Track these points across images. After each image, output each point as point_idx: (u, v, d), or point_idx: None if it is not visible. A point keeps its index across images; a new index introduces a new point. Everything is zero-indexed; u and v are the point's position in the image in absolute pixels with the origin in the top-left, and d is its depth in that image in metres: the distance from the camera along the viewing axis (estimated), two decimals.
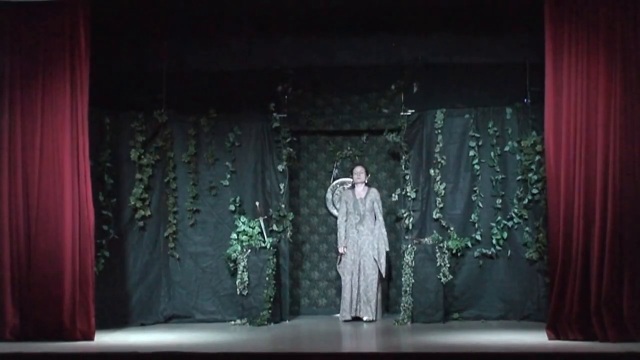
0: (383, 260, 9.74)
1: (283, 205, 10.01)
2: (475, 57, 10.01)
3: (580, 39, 7.99)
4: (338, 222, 9.98)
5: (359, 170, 10.02)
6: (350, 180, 10.17)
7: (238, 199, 10.02)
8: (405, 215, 9.94)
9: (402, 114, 10.04)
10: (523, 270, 9.68)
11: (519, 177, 9.76)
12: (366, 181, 9.98)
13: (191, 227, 10.01)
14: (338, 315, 9.91)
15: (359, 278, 9.73)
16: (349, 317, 9.69)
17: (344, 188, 10.29)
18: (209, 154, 10.06)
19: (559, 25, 8.04)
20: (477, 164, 9.90)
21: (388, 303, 10.31)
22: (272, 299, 9.49)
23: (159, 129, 10.00)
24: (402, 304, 9.52)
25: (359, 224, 9.85)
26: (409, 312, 9.42)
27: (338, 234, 9.94)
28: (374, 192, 9.95)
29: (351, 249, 9.81)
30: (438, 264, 9.45)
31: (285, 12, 9.54)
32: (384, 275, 9.76)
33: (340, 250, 9.89)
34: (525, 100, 9.87)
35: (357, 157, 10.37)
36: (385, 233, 9.84)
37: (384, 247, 9.77)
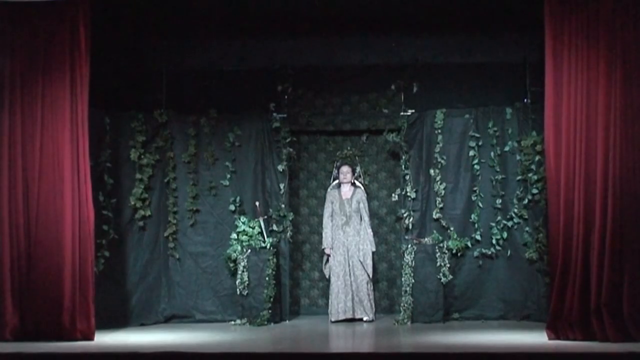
0: (369, 261, 9.75)
1: (283, 205, 10.00)
2: (475, 57, 10.02)
3: (580, 39, 7.98)
4: (323, 223, 9.95)
5: (345, 170, 10.01)
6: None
7: (238, 199, 10.02)
8: (405, 215, 9.93)
9: (402, 114, 10.04)
10: (523, 270, 9.68)
11: (519, 177, 9.75)
12: (353, 180, 9.98)
13: (191, 227, 10.01)
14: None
15: (350, 280, 9.72)
16: (340, 318, 9.63)
17: (331, 187, 10.24)
18: (209, 154, 10.06)
19: (559, 25, 8.03)
20: (477, 164, 9.90)
21: (388, 303, 10.32)
22: (272, 299, 9.49)
23: (159, 129, 10.00)
24: (402, 304, 9.52)
25: (345, 224, 9.83)
26: (409, 312, 9.42)
27: (323, 234, 9.92)
28: (360, 192, 9.94)
29: (338, 251, 9.79)
30: (438, 264, 9.45)
31: (285, 12, 9.54)
32: (370, 276, 9.75)
33: (327, 251, 9.87)
34: (525, 100, 9.87)
35: (357, 157, 10.36)
36: (371, 233, 9.84)
37: (370, 247, 9.78)
